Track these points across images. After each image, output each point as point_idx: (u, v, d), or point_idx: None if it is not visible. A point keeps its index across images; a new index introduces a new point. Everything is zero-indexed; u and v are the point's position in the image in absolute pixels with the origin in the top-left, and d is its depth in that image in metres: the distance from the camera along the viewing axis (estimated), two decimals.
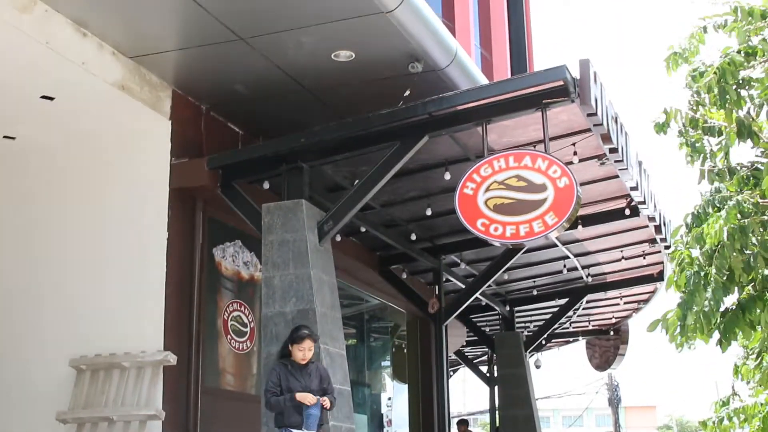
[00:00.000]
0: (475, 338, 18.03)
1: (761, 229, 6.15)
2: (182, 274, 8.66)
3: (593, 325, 19.39)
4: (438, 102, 7.97)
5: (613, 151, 8.85)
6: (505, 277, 14.29)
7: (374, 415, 14.49)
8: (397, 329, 15.42)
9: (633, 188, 10.11)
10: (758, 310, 6.37)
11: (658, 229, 11.83)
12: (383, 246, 12.37)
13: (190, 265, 8.77)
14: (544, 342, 18.71)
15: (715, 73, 6.40)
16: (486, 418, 29.32)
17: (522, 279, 15.15)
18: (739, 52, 6.44)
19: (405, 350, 15.34)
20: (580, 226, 11.18)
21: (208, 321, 8.96)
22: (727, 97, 6.39)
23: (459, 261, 13.42)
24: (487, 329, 18.12)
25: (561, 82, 7.63)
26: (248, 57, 8.14)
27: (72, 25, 7.59)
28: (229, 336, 9.26)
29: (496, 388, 17.31)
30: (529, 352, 17.38)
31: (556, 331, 18.28)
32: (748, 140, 6.61)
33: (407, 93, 8.40)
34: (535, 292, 15.98)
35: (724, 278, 6.14)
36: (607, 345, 20.48)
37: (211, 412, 8.71)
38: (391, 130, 8.15)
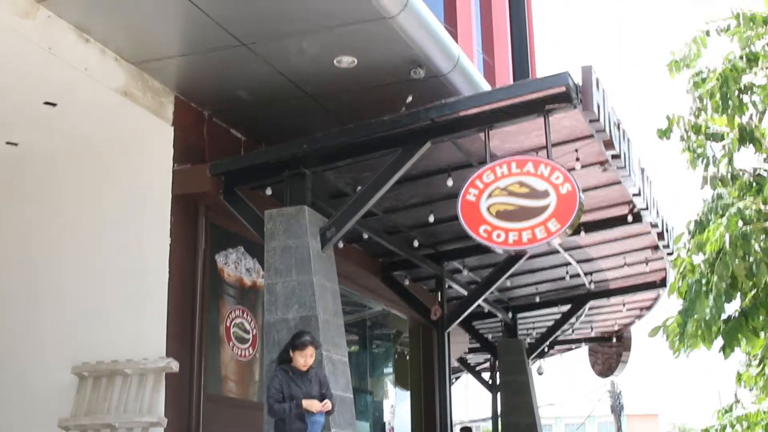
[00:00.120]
0: (478, 345, 17.99)
1: (764, 236, 6.14)
2: (184, 280, 8.64)
3: (596, 332, 19.32)
4: (440, 108, 7.96)
5: (616, 157, 8.84)
6: (508, 283, 14.25)
7: (376, 422, 14.45)
8: (400, 336, 15.37)
9: (635, 194, 10.09)
10: (761, 317, 6.36)
11: (660, 235, 11.80)
12: (385, 252, 12.34)
13: (193, 271, 8.76)
14: (546, 349, 18.63)
15: (717, 79, 6.40)
16: (488, 425, 29.22)
17: (524, 285, 15.09)
18: (741, 57, 6.44)
19: (407, 357, 15.27)
20: (582, 233, 11.15)
21: (211, 328, 8.95)
22: (730, 103, 6.39)
23: (461, 268, 13.39)
24: (490, 336, 18.07)
25: (563, 89, 7.62)
26: (251, 63, 8.15)
27: (75, 30, 7.59)
28: (231, 343, 9.25)
29: (498, 395, 17.24)
30: (532, 359, 17.33)
31: (559, 337, 18.21)
32: (750, 146, 6.60)
33: (410, 99, 8.40)
34: (537, 299, 15.92)
35: (726, 285, 6.13)
36: (610, 352, 20.40)
37: (214, 419, 8.69)
38: (393, 137, 8.14)
